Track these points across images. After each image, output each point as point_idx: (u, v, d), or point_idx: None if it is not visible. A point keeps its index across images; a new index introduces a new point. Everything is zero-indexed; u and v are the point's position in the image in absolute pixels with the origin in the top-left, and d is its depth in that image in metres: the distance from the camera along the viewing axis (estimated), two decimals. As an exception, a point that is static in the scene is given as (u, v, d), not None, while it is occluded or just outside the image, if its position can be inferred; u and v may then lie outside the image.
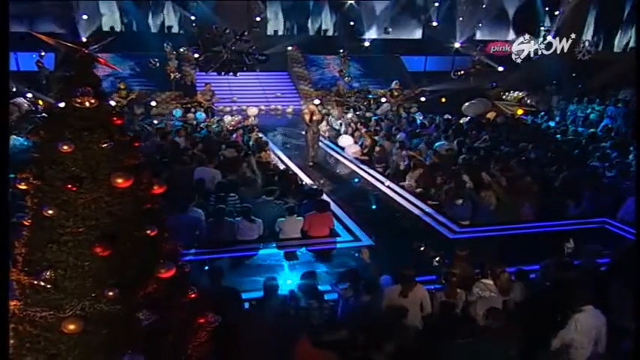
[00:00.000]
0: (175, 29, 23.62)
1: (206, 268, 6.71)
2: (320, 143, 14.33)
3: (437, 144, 12.82)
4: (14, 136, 11.98)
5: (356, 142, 14.42)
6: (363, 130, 15.04)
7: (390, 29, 24.81)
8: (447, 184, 9.77)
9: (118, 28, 22.79)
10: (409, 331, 4.91)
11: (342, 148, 14.48)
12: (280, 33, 24.92)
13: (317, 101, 21.17)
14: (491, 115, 18.01)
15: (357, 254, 8.09)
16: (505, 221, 9.21)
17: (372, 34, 25.24)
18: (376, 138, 14.09)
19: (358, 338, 4.77)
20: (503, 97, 22.52)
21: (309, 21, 25.17)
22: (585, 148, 13.00)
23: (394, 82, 20.07)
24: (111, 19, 22.78)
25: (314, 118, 13.34)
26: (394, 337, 4.72)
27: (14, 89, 17.12)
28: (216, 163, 10.21)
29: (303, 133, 14.03)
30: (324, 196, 9.54)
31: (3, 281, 3.13)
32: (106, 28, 22.29)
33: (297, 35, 24.81)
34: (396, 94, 19.49)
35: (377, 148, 13.38)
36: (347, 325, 4.97)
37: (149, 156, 10.38)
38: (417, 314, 5.60)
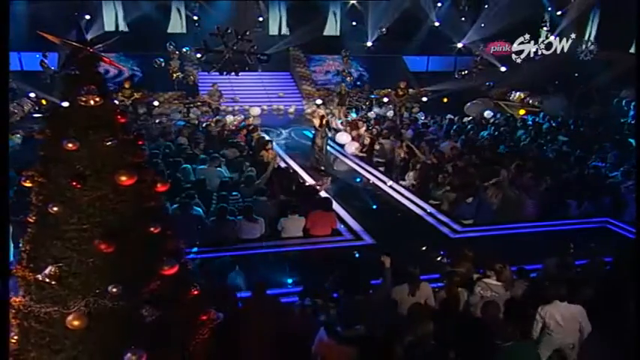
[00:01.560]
0: (178, 29, 23.60)
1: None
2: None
3: (442, 144, 12.85)
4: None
5: (357, 140, 14.43)
6: (363, 129, 15.06)
7: (384, 29, 24.76)
8: (455, 184, 9.76)
9: (120, 28, 22.80)
10: (428, 328, 4.94)
11: (342, 146, 14.50)
12: (282, 33, 24.89)
13: (319, 101, 21.21)
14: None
15: (358, 255, 8.15)
16: (507, 220, 9.24)
17: (373, 34, 25.24)
18: (377, 137, 14.12)
19: (378, 334, 4.82)
20: (506, 97, 22.50)
21: (312, 21, 25.14)
22: (587, 148, 13.00)
23: (402, 82, 20.04)
24: (114, 19, 22.80)
25: (323, 122, 13.22)
26: (413, 333, 4.76)
27: (14, 87, 17.17)
28: (218, 162, 10.23)
29: (311, 137, 13.77)
30: (326, 195, 9.58)
31: (3, 279, 3.16)
32: (108, 28, 22.31)
33: (300, 35, 24.78)
34: (401, 93, 19.44)
35: (376, 147, 13.41)
36: (365, 321, 5.02)
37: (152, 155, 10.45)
38: None
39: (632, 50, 23.00)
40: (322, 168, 12.54)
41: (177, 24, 23.46)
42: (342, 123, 16.78)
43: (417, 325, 4.79)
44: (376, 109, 19.69)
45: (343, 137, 14.77)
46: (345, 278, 6.09)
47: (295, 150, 14.82)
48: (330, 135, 15.75)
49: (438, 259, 7.42)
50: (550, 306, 5.29)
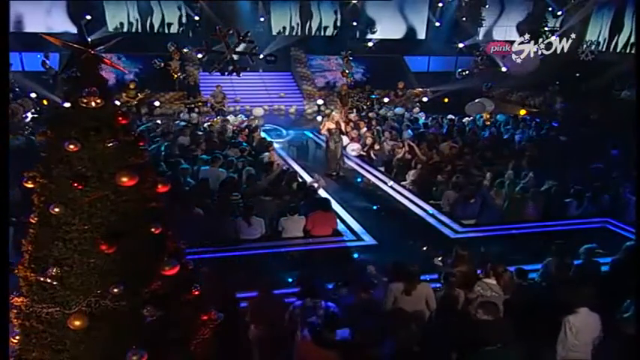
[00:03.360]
0: (175, 29, 23.66)
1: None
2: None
3: (442, 145, 12.87)
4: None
5: (357, 141, 14.43)
6: (364, 130, 15.06)
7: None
8: (456, 184, 9.74)
9: (121, 29, 22.86)
10: (411, 332, 4.93)
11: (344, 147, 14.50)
12: (283, 33, 24.93)
13: (320, 101, 21.23)
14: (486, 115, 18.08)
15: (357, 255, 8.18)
16: (508, 221, 9.25)
17: (374, 34, 25.32)
18: (378, 137, 14.14)
19: (360, 337, 4.81)
20: (508, 97, 22.49)
21: (313, 21, 25.18)
22: (588, 148, 13.01)
23: (400, 83, 20.03)
24: (115, 19, 22.83)
25: (336, 128, 12.94)
26: (396, 337, 4.75)
27: (17, 88, 17.25)
28: (220, 163, 10.26)
29: (324, 144, 13.43)
30: (326, 195, 9.61)
31: (3, 279, 3.18)
32: (109, 29, 22.38)
33: (301, 36, 24.84)
34: (400, 94, 19.45)
35: (376, 147, 13.40)
36: (348, 324, 5.01)
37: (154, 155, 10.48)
38: (421, 312, 5.62)
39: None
40: (334, 174, 12.23)
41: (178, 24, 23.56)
42: (343, 123, 16.76)
43: (399, 330, 4.78)
44: (382, 111, 19.67)
45: (344, 139, 14.65)
46: (349, 278, 6.11)
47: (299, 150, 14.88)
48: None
49: (439, 259, 7.43)
50: (576, 316, 5.02)
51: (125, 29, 22.64)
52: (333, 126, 12.90)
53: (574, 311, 5.04)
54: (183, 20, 23.48)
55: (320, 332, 4.70)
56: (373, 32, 24.83)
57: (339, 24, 25.21)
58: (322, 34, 25.22)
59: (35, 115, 16.53)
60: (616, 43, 22.92)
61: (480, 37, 25.12)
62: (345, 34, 24.75)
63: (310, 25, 25.06)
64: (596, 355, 5.12)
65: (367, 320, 5.10)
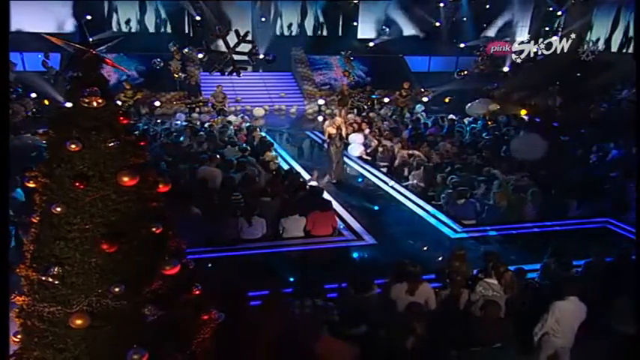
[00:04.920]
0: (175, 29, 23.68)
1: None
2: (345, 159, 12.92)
3: (440, 144, 12.87)
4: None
5: (359, 142, 14.40)
6: (367, 131, 15.04)
7: (386, 29, 24.83)
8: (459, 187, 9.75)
9: (121, 29, 22.91)
10: (424, 327, 4.97)
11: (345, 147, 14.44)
12: (284, 33, 24.96)
13: (321, 101, 21.21)
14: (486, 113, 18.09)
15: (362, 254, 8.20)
16: (508, 221, 9.25)
17: (374, 34, 25.36)
18: (380, 138, 14.12)
19: (379, 333, 4.85)
20: (508, 97, 22.44)
21: (313, 22, 25.22)
22: (588, 148, 13.02)
23: (405, 83, 19.96)
24: (125, 17, 22.91)
25: (337, 132, 12.62)
26: (413, 332, 4.79)
27: (19, 88, 17.28)
28: (217, 162, 10.24)
29: (325, 146, 12.99)
30: (327, 195, 9.60)
31: (3, 279, 3.20)
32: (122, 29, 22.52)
33: (301, 36, 24.85)
34: (404, 94, 19.42)
35: (380, 148, 13.38)
36: (367, 320, 5.06)
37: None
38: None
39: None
40: (334, 181, 11.86)
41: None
42: (344, 127, 16.70)
43: (414, 324, 4.81)
44: (378, 110, 19.69)
45: (354, 138, 14.46)
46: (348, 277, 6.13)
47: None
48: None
49: (439, 258, 7.45)
50: (565, 302, 5.24)
51: (133, 29, 22.72)
52: (334, 131, 12.74)
53: (563, 298, 5.25)
54: (184, 20, 23.50)
55: (337, 328, 4.76)
56: (384, 32, 24.84)
57: (339, 24, 25.25)
58: (322, 34, 25.25)
59: (38, 115, 16.54)
60: (620, 43, 22.96)
61: (481, 36, 25.10)
62: (345, 33, 24.79)
63: (313, 24, 25.12)
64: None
65: (380, 317, 5.15)
